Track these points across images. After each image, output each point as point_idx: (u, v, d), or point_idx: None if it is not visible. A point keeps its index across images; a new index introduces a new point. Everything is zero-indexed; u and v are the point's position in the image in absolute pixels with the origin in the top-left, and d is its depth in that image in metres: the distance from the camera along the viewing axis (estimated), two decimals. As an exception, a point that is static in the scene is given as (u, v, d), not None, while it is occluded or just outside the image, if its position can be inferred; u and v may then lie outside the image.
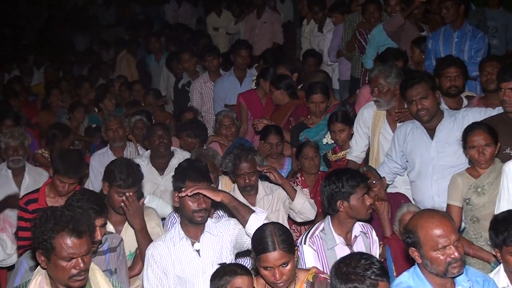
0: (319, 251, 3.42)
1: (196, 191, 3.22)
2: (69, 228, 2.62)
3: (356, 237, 3.52)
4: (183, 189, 3.25)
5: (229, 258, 3.38)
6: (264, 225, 3.07)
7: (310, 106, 5.42)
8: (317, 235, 3.45)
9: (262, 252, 2.93)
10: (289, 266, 2.94)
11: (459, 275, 2.78)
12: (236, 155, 4.33)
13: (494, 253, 3.20)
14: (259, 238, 2.97)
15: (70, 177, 4.27)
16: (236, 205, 3.29)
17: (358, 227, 3.54)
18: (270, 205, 4.41)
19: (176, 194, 3.31)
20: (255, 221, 3.22)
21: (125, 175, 3.83)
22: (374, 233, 3.65)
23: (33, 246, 2.73)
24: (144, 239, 3.69)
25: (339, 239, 3.44)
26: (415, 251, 2.78)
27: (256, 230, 3.07)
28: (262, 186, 4.44)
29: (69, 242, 2.61)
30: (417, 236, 2.74)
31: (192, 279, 3.33)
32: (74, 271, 2.64)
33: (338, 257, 3.30)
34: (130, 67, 9.95)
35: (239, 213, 3.29)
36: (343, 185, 3.40)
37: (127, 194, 3.72)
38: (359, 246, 3.50)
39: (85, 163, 4.67)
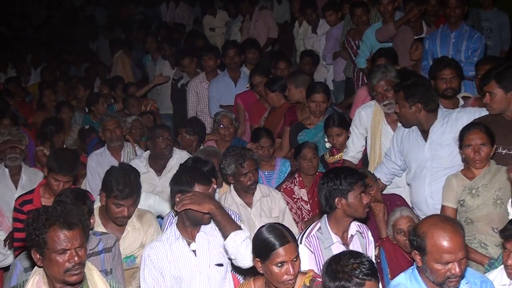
0: (316, 251, 3.42)
1: (183, 208, 3.23)
2: (60, 221, 2.63)
3: (352, 236, 3.53)
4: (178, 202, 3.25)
5: (224, 259, 3.39)
6: (262, 226, 3.03)
7: (311, 105, 5.37)
8: (313, 234, 3.45)
9: (275, 248, 2.86)
10: (298, 261, 2.92)
11: None
12: (239, 154, 4.31)
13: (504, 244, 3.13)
14: (265, 237, 2.91)
15: (64, 175, 4.26)
16: (221, 220, 3.24)
17: (354, 227, 3.55)
18: (268, 209, 4.39)
19: (180, 197, 3.29)
20: (232, 241, 3.21)
21: (122, 186, 3.83)
22: (369, 234, 3.66)
23: (28, 245, 2.74)
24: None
25: (336, 238, 3.45)
26: (418, 255, 2.74)
27: (259, 232, 3.00)
28: (259, 187, 4.43)
29: (61, 235, 2.62)
30: (424, 243, 2.69)
31: (189, 279, 3.33)
32: (68, 265, 2.64)
33: None
34: (125, 68, 9.93)
35: (221, 229, 3.26)
36: (341, 183, 3.40)
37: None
38: (356, 246, 3.51)
39: (80, 162, 4.65)
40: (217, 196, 4.45)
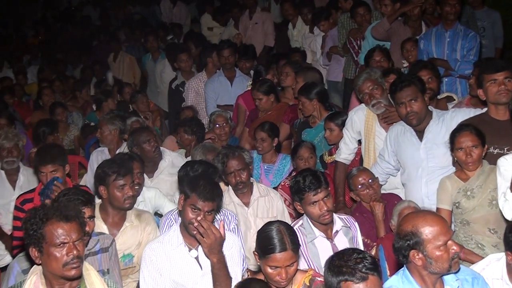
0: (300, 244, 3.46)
1: (198, 234, 3.17)
2: (57, 215, 2.67)
3: (337, 231, 3.58)
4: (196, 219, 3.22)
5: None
6: (271, 223, 3.05)
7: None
8: (297, 228, 3.48)
9: (272, 252, 2.91)
10: (294, 266, 2.96)
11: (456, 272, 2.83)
12: (224, 154, 4.33)
13: (506, 256, 3.08)
14: (268, 237, 2.95)
15: (45, 164, 4.27)
16: (216, 273, 3.21)
17: (339, 222, 3.60)
18: (266, 209, 4.40)
19: (182, 198, 3.31)
20: None
21: (117, 166, 3.89)
22: (356, 224, 3.73)
23: (25, 243, 2.75)
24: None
25: (318, 232, 3.52)
26: (416, 253, 2.76)
27: (263, 228, 3.04)
28: (257, 187, 4.43)
29: (58, 228, 2.65)
30: (419, 236, 2.74)
31: (191, 285, 3.35)
32: (67, 259, 2.66)
33: (319, 250, 3.43)
34: (133, 66, 9.94)
35: (214, 282, 3.23)
36: (292, 193, 3.59)
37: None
38: (341, 240, 3.57)
39: (64, 153, 4.57)
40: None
